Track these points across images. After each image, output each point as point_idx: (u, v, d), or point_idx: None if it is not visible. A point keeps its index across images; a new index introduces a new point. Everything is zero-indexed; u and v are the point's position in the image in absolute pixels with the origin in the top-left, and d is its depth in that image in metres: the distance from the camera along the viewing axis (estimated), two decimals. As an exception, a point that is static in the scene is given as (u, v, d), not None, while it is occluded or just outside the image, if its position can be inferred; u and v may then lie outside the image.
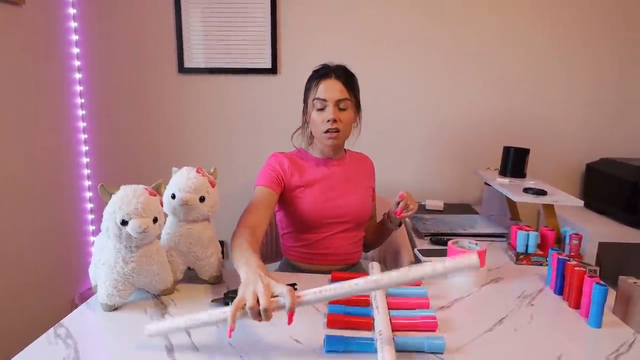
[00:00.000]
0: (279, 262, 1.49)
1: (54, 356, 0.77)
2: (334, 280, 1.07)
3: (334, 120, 1.22)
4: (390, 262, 1.54)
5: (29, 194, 1.78)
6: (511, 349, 0.83)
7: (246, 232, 1.03)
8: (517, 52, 1.97)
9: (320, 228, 1.29)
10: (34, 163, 1.80)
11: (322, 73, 1.26)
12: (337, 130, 1.24)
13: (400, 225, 1.36)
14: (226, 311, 0.77)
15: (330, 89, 1.23)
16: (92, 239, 2.15)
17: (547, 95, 2.00)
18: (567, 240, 1.21)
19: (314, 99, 1.24)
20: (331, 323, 0.88)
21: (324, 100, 1.23)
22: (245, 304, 0.76)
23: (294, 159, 1.33)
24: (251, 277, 0.82)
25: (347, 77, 1.27)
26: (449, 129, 2.05)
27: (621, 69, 1.95)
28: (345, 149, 1.41)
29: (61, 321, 0.88)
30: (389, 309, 0.92)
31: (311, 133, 1.33)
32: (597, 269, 1.01)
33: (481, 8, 1.94)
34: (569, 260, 1.03)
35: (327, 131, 1.23)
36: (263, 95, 2.06)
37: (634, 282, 0.93)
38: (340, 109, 1.24)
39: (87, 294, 1.98)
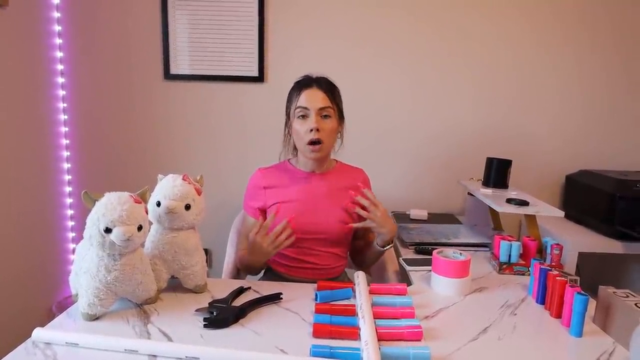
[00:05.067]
0: (263, 271, 1.48)
1: (33, 367, 0.75)
2: (319, 289, 1.07)
3: (317, 130, 1.22)
4: (375, 271, 1.55)
5: (6, 199, 1.74)
6: (495, 358, 0.84)
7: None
8: (502, 66, 2.01)
9: (296, 242, 1.27)
10: (12, 167, 1.76)
11: (304, 83, 1.27)
12: (320, 142, 1.23)
13: (385, 246, 1.29)
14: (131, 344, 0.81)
15: (312, 97, 1.23)
16: (72, 246, 2.11)
17: (529, 109, 2.04)
18: (549, 250, 1.23)
19: (296, 108, 1.24)
20: (317, 333, 0.88)
21: (306, 108, 1.23)
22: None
23: (274, 175, 1.34)
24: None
25: (329, 87, 1.27)
26: (433, 139, 2.08)
27: (602, 83, 2.01)
28: (336, 161, 1.41)
29: (40, 331, 0.86)
30: (374, 318, 0.92)
31: (294, 146, 1.33)
32: (578, 278, 1.03)
33: (469, 21, 1.98)
34: (550, 270, 1.05)
35: (310, 142, 1.23)
36: (250, 103, 2.06)
37: (614, 292, 0.95)
38: (323, 118, 1.24)
39: (65, 302, 1.93)
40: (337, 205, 1.31)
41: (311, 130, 1.22)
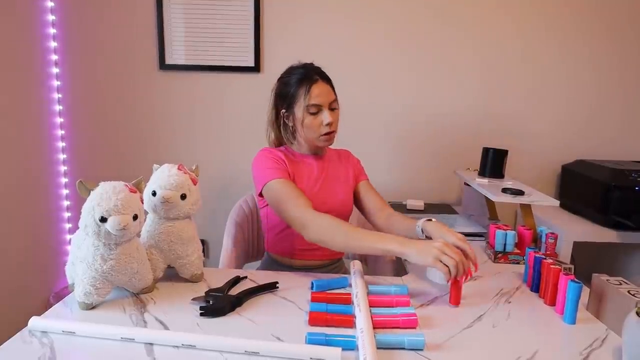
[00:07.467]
0: (260, 260, 1.49)
1: (29, 355, 0.75)
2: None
3: (331, 124, 1.24)
4: (371, 260, 1.56)
5: (1, 190, 1.73)
6: (489, 345, 0.84)
7: (327, 216, 1.13)
8: (498, 56, 2.00)
9: None
10: (7, 158, 1.75)
11: (308, 78, 1.24)
12: (333, 131, 1.27)
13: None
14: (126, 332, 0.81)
15: (323, 93, 1.24)
16: (68, 237, 2.11)
17: (526, 99, 2.04)
18: (544, 240, 1.24)
19: (308, 105, 1.23)
20: (313, 321, 0.88)
21: (319, 105, 1.23)
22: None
23: (282, 155, 1.33)
24: (422, 243, 0.99)
25: (327, 76, 1.29)
26: (429, 129, 2.07)
27: (597, 73, 2.01)
28: None
29: (37, 320, 0.86)
30: (370, 306, 0.92)
31: (293, 134, 1.32)
32: (572, 267, 1.04)
33: (464, 9, 1.96)
34: (545, 259, 1.06)
35: (324, 134, 1.25)
36: (246, 93, 2.05)
37: (607, 280, 0.96)
38: (332, 110, 1.26)
39: (62, 293, 1.93)
40: (337, 184, 1.34)
41: (327, 124, 1.24)
